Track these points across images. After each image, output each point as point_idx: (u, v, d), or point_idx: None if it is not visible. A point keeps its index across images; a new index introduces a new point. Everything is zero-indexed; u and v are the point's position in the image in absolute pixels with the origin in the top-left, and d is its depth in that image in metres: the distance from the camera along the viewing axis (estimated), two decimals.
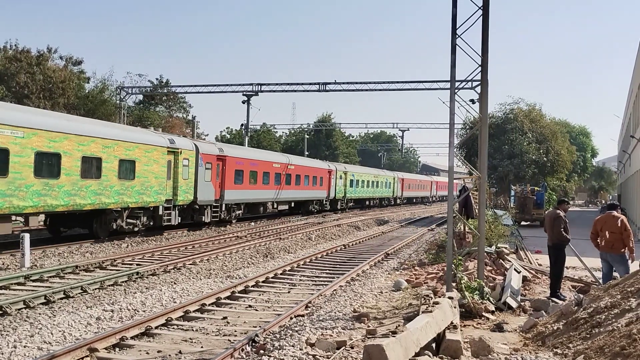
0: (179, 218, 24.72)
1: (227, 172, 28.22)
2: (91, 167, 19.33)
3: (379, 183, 58.36)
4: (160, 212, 23.16)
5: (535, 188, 35.94)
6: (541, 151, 41.94)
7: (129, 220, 21.79)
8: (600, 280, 12.19)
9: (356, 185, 50.84)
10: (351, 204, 51.05)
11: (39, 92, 41.16)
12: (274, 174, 34.35)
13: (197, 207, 25.87)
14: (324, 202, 44.05)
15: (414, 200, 77.15)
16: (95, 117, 39.98)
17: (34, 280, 13.44)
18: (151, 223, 23.18)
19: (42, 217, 20.71)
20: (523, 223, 32.53)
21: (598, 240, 11.40)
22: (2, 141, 15.89)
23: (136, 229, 22.31)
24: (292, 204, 39.82)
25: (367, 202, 56.45)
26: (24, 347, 8.40)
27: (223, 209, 28.22)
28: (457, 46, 11.06)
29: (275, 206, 36.44)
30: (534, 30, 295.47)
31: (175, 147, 23.94)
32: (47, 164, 17.59)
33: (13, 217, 17.61)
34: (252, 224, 31.81)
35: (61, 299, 11.67)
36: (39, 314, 10.40)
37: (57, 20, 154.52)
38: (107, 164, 19.99)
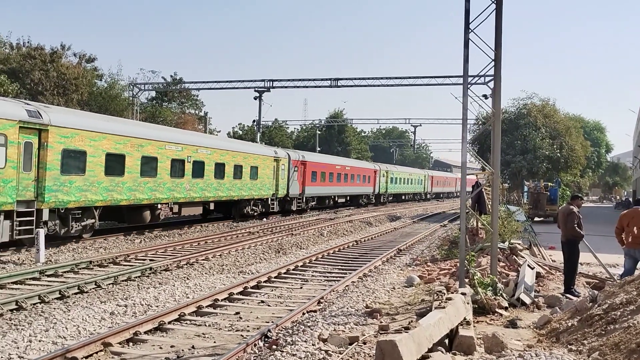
0: (278, 207, 33.64)
1: (307, 173, 36.93)
2: (237, 171, 28.14)
3: (413, 180, 66.18)
4: (269, 202, 32.39)
5: (549, 184, 35.68)
6: (555, 147, 41.61)
7: (253, 207, 30.60)
8: (616, 276, 12.09)
9: (395, 182, 58.51)
10: (390, 198, 58.61)
11: (52, 88, 41.39)
12: (336, 174, 42.61)
13: (288, 199, 34.86)
14: (370, 197, 51.96)
15: (441, 195, 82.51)
16: (108, 113, 40.19)
17: (48, 276, 13.55)
18: (263, 210, 31.97)
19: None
20: (536, 219, 32.31)
21: (623, 236, 11.21)
22: (201, 157, 24.89)
23: (256, 213, 31.02)
24: (348, 198, 47.05)
25: (403, 197, 64.49)
26: (39, 341, 8.48)
27: (304, 200, 37.16)
28: (470, 41, 10.99)
29: (336, 199, 44.26)
30: (547, 24, 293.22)
31: (277, 156, 33.08)
32: (219, 171, 26.31)
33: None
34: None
35: (75, 294, 11.77)
36: (54, 308, 10.50)
37: (70, 18, 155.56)
38: (245, 169, 28.94)
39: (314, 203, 39.30)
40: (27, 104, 17.27)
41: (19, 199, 15.92)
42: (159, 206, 22.63)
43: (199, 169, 24.68)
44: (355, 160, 55.15)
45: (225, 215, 29.75)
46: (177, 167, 23.04)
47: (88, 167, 18.41)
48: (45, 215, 16.98)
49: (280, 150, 35.00)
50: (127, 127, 21.44)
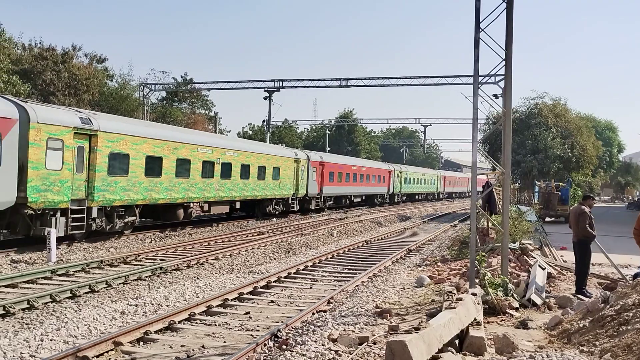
0: (298, 206, 35.30)
1: (325, 174, 38.53)
2: (261, 172, 29.72)
3: (426, 180, 68.33)
4: (290, 202, 33.94)
5: (560, 184, 35.47)
6: (566, 146, 41.39)
7: (275, 206, 32.20)
8: (628, 277, 11.99)
9: (409, 182, 60.52)
10: (404, 197, 60.40)
11: (64, 89, 41.67)
12: (353, 174, 44.24)
13: (307, 198, 36.50)
14: (385, 196, 53.60)
15: (453, 195, 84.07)
16: (119, 113, 40.39)
17: (60, 275, 13.63)
18: (284, 209, 33.48)
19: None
20: (547, 219, 32.12)
21: None
22: (229, 159, 26.58)
23: (277, 212, 32.65)
24: (364, 197, 48.41)
25: (417, 197, 66.36)
26: (51, 340, 8.53)
27: (322, 199, 38.89)
28: (480, 40, 10.94)
29: (352, 199, 45.57)
30: (557, 23, 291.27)
31: (297, 158, 34.82)
32: (244, 172, 27.98)
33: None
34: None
35: (86, 293, 11.83)
36: (65, 308, 10.55)
37: (81, 19, 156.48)
38: (268, 170, 30.49)
39: (331, 202, 41.11)
40: (79, 112, 18.86)
41: (72, 197, 17.59)
42: (191, 205, 24.42)
43: (227, 170, 26.36)
44: (370, 160, 56.65)
45: (248, 214, 31.09)
46: (207, 168, 24.85)
47: (130, 169, 20.05)
48: (94, 213, 18.55)
49: (300, 152, 36.90)
50: (164, 131, 23.43)
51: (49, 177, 16.58)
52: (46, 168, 16.47)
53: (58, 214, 17.06)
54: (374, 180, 49.23)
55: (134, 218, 20.83)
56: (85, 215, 18.03)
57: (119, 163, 19.45)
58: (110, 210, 19.33)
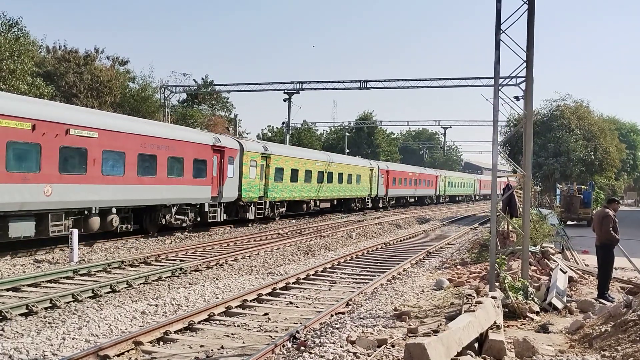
0: (371, 204, 45.75)
1: (389, 179, 48.51)
2: (350, 178, 40.32)
3: (465, 184, 78.68)
4: (365, 200, 44.65)
5: (582, 187, 35.03)
6: (589, 149, 40.88)
7: (356, 204, 42.86)
8: None
9: (451, 185, 70.33)
10: (447, 199, 70.24)
11: (86, 91, 42.17)
12: (409, 179, 54.16)
13: (377, 198, 46.91)
14: (433, 198, 63.50)
15: (487, 197, 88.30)
16: (140, 115, 40.75)
17: (82, 275, 13.81)
18: (361, 206, 43.84)
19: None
20: (569, 223, 31.73)
21: None
22: (331, 169, 37.35)
23: (357, 208, 43.15)
24: (416, 198, 58.48)
25: (457, 198, 76.25)
26: (73, 339, 8.64)
27: (387, 200, 49.41)
28: (501, 42, 10.86)
29: (408, 199, 55.93)
30: (581, 24, 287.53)
31: (371, 167, 45.09)
32: (340, 178, 38.62)
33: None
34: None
35: (108, 293, 11.98)
36: (87, 307, 10.69)
37: (104, 21, 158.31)
38: (353, 177, 41.12)
39: (393, 202, 51.51)
40: (259, 142, 30.96)
41: (258, 195, 27.96)
42: (311, 201, 35.00)
43: (330, 177, 37.04)
44: (422, 167, 65.29)
45: (333, 209, 40.83)
46: (320, 176, 35.55)
47: (284, 178, 30.59)
48: (267, 205, 29.19)
49: (373, 162, 47.17)
50: (299, 152, 35.68)
51: (250, 183, 26.92)
52: (249, 177, 26.82)
53: (252, 206, 27.36)
54: (424, 184, 58.87)
55: (283, 209, 31.51)
56: (263, 206, 28.42)
57: (279, 174, 29.88)
58: (273, 204, 29.76)
